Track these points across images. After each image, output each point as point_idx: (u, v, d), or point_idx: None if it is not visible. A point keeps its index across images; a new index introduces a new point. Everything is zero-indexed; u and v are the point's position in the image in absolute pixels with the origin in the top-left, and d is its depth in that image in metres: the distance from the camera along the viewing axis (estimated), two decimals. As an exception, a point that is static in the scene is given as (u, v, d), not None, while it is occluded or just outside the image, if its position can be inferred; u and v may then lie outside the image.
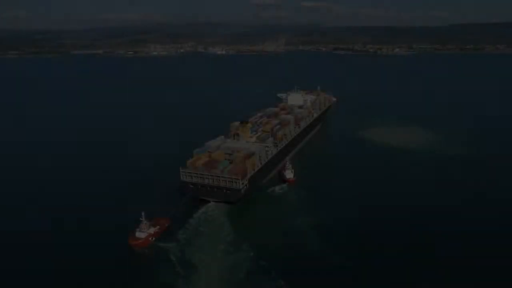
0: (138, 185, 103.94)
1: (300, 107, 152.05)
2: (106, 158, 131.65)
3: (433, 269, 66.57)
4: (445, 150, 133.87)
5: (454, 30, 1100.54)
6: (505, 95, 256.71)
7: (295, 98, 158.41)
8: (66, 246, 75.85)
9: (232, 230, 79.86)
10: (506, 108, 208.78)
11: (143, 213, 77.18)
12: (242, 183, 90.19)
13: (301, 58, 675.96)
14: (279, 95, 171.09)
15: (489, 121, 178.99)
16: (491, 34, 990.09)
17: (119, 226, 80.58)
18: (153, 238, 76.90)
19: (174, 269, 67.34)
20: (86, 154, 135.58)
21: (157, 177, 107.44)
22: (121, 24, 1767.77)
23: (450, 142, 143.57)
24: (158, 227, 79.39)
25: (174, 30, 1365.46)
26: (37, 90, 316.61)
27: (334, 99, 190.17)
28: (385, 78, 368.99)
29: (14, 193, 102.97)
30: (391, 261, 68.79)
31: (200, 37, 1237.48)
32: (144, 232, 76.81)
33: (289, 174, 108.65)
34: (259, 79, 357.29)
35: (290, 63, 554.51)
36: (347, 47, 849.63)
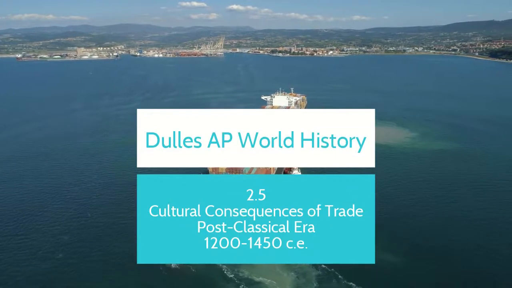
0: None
1: (287, 108, 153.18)
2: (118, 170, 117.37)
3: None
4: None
5: (377, 34, 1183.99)
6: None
7: (280, 100, 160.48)
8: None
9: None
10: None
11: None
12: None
13: (246, 60, 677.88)
14: (263, 97, 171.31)
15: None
16: (409, 37, 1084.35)
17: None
18: None
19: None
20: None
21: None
22: (38, 25, 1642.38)
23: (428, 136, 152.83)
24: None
25: (99, 32, 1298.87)
26: None
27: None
28: (335, 77, 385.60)
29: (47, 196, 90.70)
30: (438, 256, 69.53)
31: (128, 40, 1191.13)
32: None
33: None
34: (223, 81, 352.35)
35: (239, 66, 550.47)
36: (284, 50, 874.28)
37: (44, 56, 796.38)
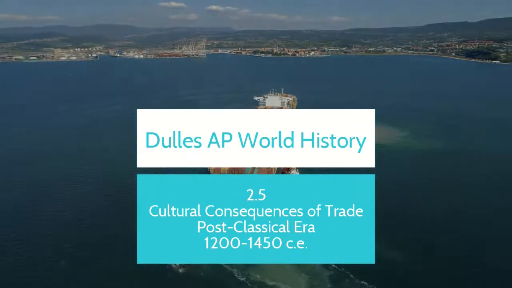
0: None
1: (280, 108, 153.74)
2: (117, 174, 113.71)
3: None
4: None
5: (356, 34, 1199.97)
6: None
7: (273, 100, 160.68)
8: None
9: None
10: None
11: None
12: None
13: (229, 61, 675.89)
14: (255, 98, 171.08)
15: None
16: (387, 38, 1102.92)
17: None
18: None
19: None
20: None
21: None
22: (12, 26, 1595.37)
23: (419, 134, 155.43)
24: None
25: (76, 33, 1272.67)
26: None
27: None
28: (321, 77, 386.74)
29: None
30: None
31: (106, 41, 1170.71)
32: None
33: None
34: (210, 82, 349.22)
35: (224, 66, 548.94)
36: (267, 50, 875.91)
37: (20, 57, 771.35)
